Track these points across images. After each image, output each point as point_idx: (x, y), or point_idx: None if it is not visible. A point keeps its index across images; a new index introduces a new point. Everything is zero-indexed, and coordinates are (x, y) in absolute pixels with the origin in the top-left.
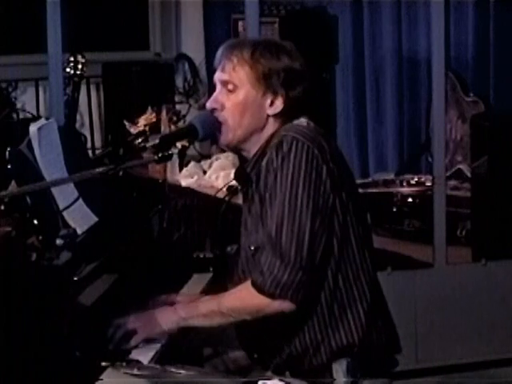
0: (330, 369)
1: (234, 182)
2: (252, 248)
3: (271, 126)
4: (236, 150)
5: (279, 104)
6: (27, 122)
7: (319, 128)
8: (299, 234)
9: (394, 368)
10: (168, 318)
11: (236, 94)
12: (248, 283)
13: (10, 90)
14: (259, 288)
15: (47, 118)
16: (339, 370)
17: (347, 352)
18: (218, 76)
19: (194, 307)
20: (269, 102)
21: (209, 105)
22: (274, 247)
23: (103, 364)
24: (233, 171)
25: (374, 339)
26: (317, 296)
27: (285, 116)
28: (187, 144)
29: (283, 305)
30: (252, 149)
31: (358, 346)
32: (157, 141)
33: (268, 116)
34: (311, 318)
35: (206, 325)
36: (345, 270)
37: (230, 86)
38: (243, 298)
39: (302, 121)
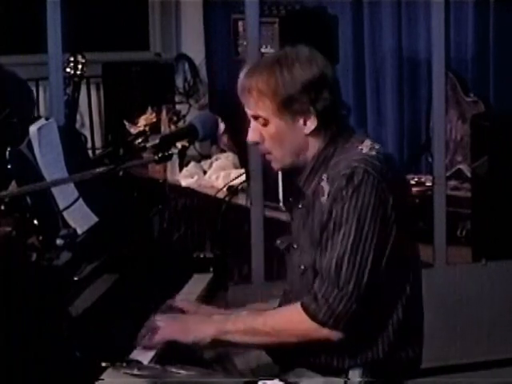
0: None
1: (234, 182)
2: (302, 267)
3: (314, 141)
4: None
5: (312, 121)
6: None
7: (384, 151)
8: (360, 268)
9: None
10: (204, 330)
11: (269, 126)
12: (297, 306)
13: None
14: (312, 314)
15: (47, 118)
16: (355, 373)
17: (369, 363)
18: (247, 111)
19: (233, 322)
20: (301, 123)
21: (249, 140)
22: (332, 276)
23: (103, 364)
24: (233, 171)
25: (398, 357)
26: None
27: (324, 127)
28: (187, 144)
29: (332, 333)
30: (302, 164)
31: (381, 363)
32: (157, 141)
33: (307, 135)
34: (343, 340)
35: (243, 341)
36: (383, 292)
37: (261, 121)
38: (292, 321)
39: (367, 145)
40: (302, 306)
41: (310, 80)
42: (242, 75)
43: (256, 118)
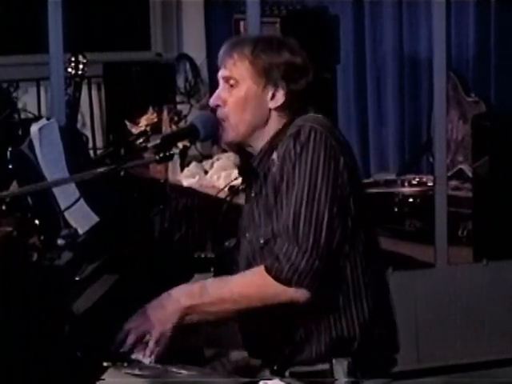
0: (331, 369)
1: (235, 182)
2: (261, 241)
3: (275, 121)
4: (238, 147)
5: (280, 97)
6: (28, 122)
7: (329, 120)
8: (317, 222)
9: (393, 367)
10: (173, 310)
11: (237, 89)
12: (261, 269)
13: (12, 90)
14: (275, 274)
15: (48, 118)
16: (340, 371)
17: (347, 346)
18: (220, 73)
19: (200, 295)
20: (270, 95)
21: (211, 102)
22: (291, 235)
23: (105, 364)
24: (234, 171)
25: (374, 336)
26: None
27: (288, 110)
28: (188, 144)
29: (298, 293)
30: (256, 144)
31: (359, 341)
32: (158, 141)
33: (270, 110)
34: (316, 305)
35: (213, 312)
36: (354, 263)
37: (232, 82)
38: (257, 285)
39: (312, 113)
40: (266, 268)
41: (294, 62)
42: (227, 41)
43: (227, 79)
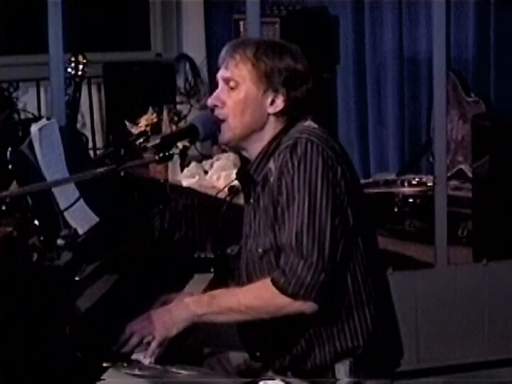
0: (333, 369)
1: (235, 183)
2: (260, 251)
3: (272, 126)
4: (236, 148)
5: (280, 103)
6: (28, 122)
7: (326, 130)
8: (320, 235)
9: (396, 369)
10: (181, 317)
11: (237, 91)
12: (267, 282)
13: (12, 90)
14: (282, 288)
15: (48, 119)
16: (341, 370)
17: (351, 354)
18: (220, 73)
19: (209, 303)
20: (269, 100)
21: (210, 102)
22: (295, 249)
23: (104, 364)
24: (234, 171)
25: (378, 342)
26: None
27: (286, 116)
28: (188, 144)
29: (305, 305)
30: (252, 148)
31: (362, 348)
32: (158, 141)
33: (268, 115)
34: (318, 317)
35: (220, 321)
36: (353, 272)
37: (232, 84)
38: (264, 298)
39: (310, 123)
40: (272, 281)
41: (296, 68)
42: (230, 42)
43: (227, 80)
